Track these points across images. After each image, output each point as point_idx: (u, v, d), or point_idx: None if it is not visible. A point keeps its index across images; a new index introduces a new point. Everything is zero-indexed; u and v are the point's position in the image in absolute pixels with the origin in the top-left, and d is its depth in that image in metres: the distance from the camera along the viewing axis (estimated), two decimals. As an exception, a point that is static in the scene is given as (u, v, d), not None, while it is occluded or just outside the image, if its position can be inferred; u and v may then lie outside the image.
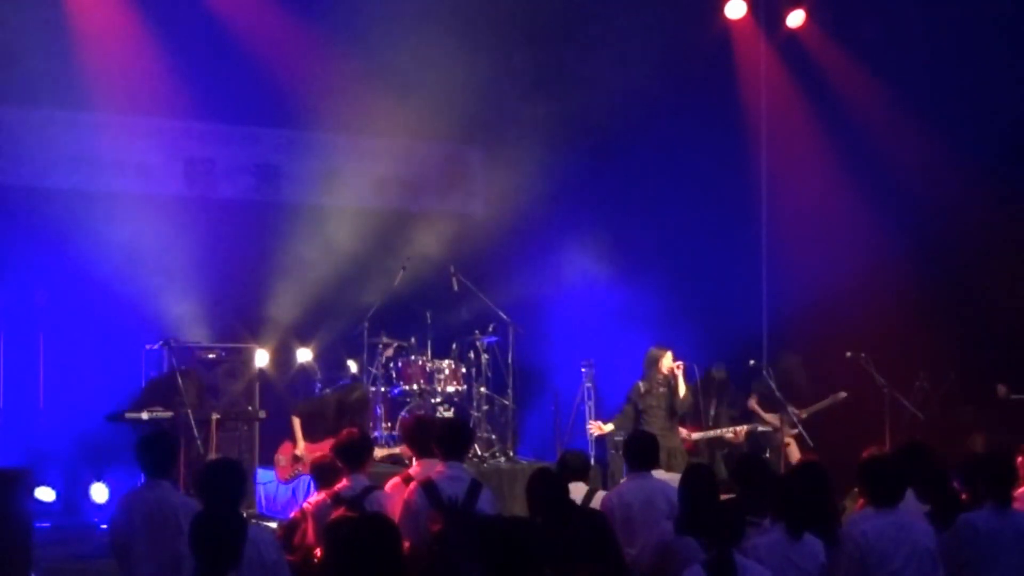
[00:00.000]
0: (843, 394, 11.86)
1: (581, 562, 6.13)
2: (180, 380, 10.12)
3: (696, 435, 11.41)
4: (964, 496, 6.85)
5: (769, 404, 11.93)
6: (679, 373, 10.97)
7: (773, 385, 11.63)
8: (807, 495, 6.17)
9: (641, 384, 11.01)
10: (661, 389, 10.97)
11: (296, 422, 10.73)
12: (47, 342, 11.37)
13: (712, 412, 12.14)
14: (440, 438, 7.08)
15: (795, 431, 11.60)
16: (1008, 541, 6.18)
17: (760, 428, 11.74)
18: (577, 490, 7.38)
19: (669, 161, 12.99)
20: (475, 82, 12.72)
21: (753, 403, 12.11)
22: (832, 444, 11.60)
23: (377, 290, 11.79)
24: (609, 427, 11.01)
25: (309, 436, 10.61)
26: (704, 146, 13.10)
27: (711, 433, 11.57)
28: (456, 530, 6.33)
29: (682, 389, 10.94)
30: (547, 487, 6.62)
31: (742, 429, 11.59)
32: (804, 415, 11.74)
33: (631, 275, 12.97)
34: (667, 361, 11.01)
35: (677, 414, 11.01)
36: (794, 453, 11.52)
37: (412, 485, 6.83)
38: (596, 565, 6.21)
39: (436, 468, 6.93)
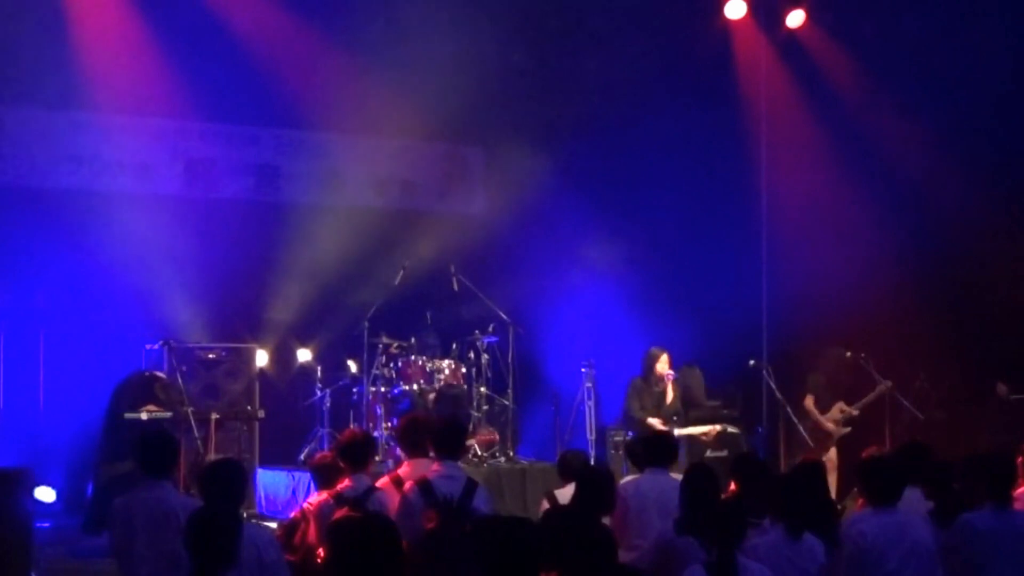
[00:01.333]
0: (888, 383, 11.68)
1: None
2: (157, 386, 10.19)
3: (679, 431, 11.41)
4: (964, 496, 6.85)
5: (825, 404, 11.89)
6: (669, 382, 11.17)
7: (773, 386, 11.64)
8: (807, 495, 6.17)
9: (638, 381, 11.22)
10: (655, 389, 11.14)
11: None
12: (47, 342, 11.36)
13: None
14: (436, 438, 7.07)
15: (846, 430, 11.62)
16: (1008, 541, 6.17)
17: (730, 429, 11.70)
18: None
19: (669, 161, 12.99)
20: (475, 82, 12.72)
21: (809, 403, 11.93)
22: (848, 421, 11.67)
23: (377, 290, 11.79)
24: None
25: None
26: (704, 146, 13.11)
27: (687, 431, 11.50)
28: (451, 528, 6.33)
29: (669, 396, 11.20)
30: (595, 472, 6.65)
31: (713, 429, 11.55)
32: (855, 412, 11.72)
33: (631, 275, 12.97)
34: (662, 364, 11.18)
35: (662, 418, 11.12)
36: (833, 456, 11.55)
37: (408, 484, 6.82)
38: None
39: (432, 467, 6.92)
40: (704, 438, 11.47)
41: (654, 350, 11.32)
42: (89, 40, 11.37)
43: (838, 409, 11.82)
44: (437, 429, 7.19)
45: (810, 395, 11.96)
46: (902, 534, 6.00)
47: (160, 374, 10.46)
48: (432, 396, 11.37)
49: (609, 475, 6.94)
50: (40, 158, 11.99)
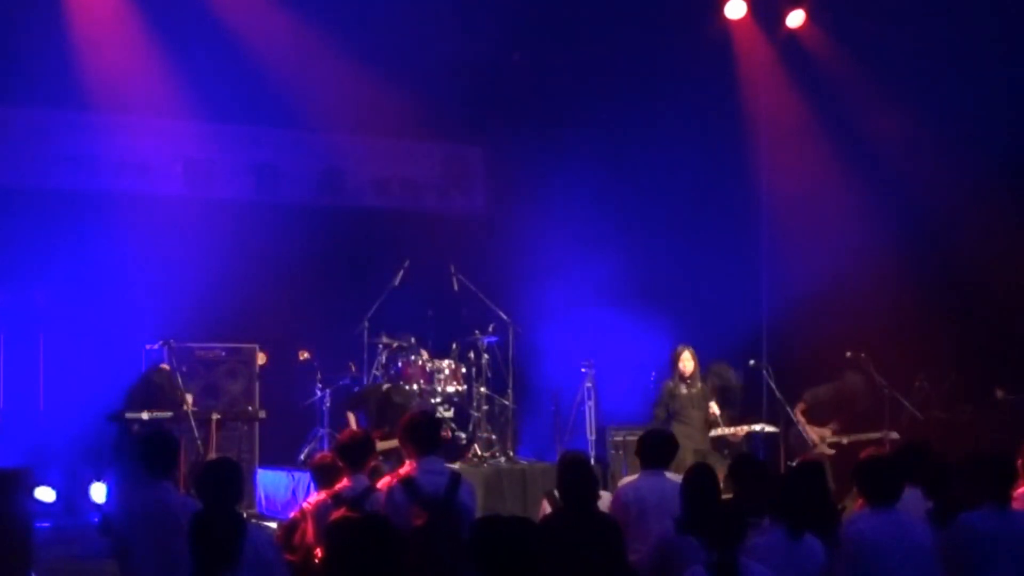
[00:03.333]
0: (895, 435, 11.19)
1: (588, 565, 6.13)
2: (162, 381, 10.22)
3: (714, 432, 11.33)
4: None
5: (818, 417, 11.80)
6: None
7: (773, 386, 11.61)
8: (807, 495, 6.17)
9: (668, 384, 11.18)
10: (683, 390, 11.07)
11: (351, 417, 10.74)
12: (47, 342, 11.36)
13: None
14: (412, 434, 6.89)
15: (830, 452, 11.48)
16: (1007, 541, 6.16)
17: (767, 429, 11.57)
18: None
19: (669, 161, 12.99)
20: (475, 82, 12.73)
21: (798, 412, 11.77)
22: (832, 444, 11.64)
23: (377, 290, 11.79)
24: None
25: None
26: (704, 146, 13.11)
27: (717, 432, 11.41)
28: (439, 524, 6.34)
29: (715, 411, 11.22)
30: (582, 476, 6.62)
31: (743, 429, 11.46)
32: (845, 441, 11.52)
33: (631, 275, 12.97)
34: (684, 362, 11.10)
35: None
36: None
37: (391, 482, 6.77)
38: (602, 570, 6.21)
39: (412, 464, 6.80)
40: (732, 439, 11.35)
41: (677, 348, 11.31)
42: (89, 40, 11.38)
43: (830, 428, 11.74)
44: (410, 425, 6.98)
45: (802, 403, 11.84)
46: (901, 534, 6.00)
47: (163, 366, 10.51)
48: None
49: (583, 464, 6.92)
50: (40, 158, 12.00)
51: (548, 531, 6.19)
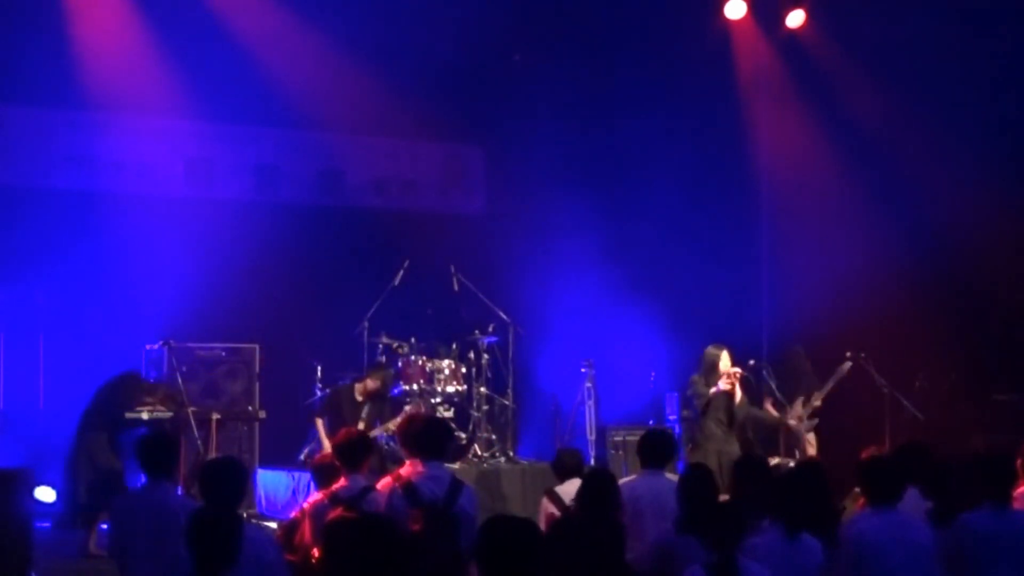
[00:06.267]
0: (848, 364, 11.25)
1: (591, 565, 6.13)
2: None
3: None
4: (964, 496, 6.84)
5: (781, 404, 11.73)
6: (735, 381, 10.41)
7: (773, 385, 11.61)
8: (806, 495, 6.17)
9: (699, 379, 10.52)
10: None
11: (319, 423, 10.74)
12: (47, 342, 11.36)
13: None
14: (420, 438, 6.96)
15: (815, 422, 11.43)
16: (1007, 542, 6.17)
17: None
18: (574, 487, 7.36)
19: (669, 161, 12.99)
20: (475, 82, 12.73)
21: (768, 405, 11.58)
22: (832, 444, 11.63)
23: (377, 290, 11.79)
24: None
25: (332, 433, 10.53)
26: (703, 146, 13.11)
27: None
28: (436, 530, 6.35)
29: (738, 395, 10.41)
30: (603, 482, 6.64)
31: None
32: (819, 402, 11.48)
33: (631, 275, 12.97)
34: (724, 363, 10.47)
35: (735, 421, 10.44)
36: (811, 449, 11.41)
37: (391, 484, 6.78)
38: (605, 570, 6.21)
39: (416, 469, 6.88)
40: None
41: (713, 351, 10.54)
42: (89, 40, 11.39)
43: (799, 405, 11.62)
44: (420, 429, 7.05)
45: (769, 397, 11.56)
46: (902, 534, 6.00)
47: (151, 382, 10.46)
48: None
49: (611, 474, 6.94)
50: (40, 158, 12.00)
51: (562, 535, 6.18)
